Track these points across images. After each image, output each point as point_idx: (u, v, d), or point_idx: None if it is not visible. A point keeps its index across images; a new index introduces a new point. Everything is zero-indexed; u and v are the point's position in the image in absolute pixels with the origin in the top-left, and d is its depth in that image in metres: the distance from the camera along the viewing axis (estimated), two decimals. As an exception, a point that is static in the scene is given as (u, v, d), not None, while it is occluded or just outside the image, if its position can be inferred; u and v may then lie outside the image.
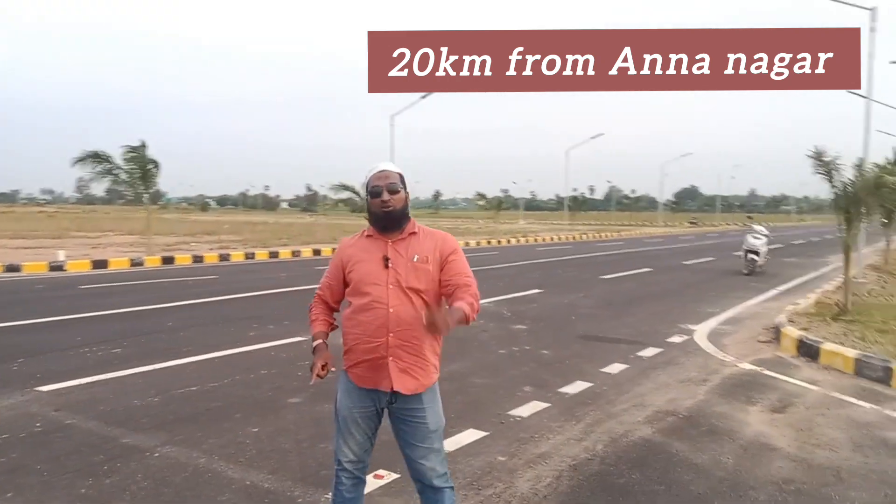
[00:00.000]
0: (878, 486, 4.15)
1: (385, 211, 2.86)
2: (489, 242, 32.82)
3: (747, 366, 7.28)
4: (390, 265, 2.84)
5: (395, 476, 4.15)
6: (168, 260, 19.46)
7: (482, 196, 42.60)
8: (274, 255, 22.56)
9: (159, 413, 5.35)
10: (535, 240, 36.20)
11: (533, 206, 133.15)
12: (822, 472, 4.36)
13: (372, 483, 4.05)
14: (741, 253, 17.64)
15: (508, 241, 34.08)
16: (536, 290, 13.32)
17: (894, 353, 7.11)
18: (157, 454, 4.49)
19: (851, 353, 7.07)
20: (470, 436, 4.88)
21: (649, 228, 60.67)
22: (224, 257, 21.00)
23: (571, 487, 4.07)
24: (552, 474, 4.25)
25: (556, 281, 15.30)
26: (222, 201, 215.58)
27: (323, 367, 2.90)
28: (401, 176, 2.95)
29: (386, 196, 2.86)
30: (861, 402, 5.94)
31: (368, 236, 2.97)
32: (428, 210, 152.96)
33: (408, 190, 2.96)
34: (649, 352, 7.83)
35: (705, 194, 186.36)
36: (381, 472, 4.19)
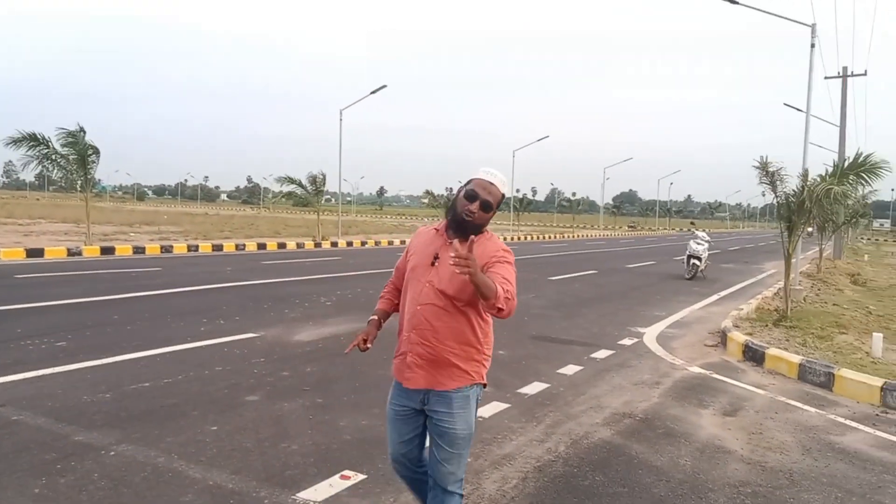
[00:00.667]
0: (829, 489, 4.31)
1: (463, 218, 2.78)
2: (436, 241, 32.91)
3: (696, 369, 7.48)
4: (436, 264, 2.81)
5: (361, 476, 4.11)
6: (107, 250, 18.83)
7: (430, 194, 42.44)
8: (218, 248, 22.09)
9: (112, 410, 5.16)
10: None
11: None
12: (776, 475, 4.51)
13: (338, 484, 4.02)
14: (684, 258, 18.12)
15: (455, 240, 34.23)
16: (487, 290, 13.39)
17: (834, 359, 7.42)
18: (112, 453, 4.33)
19: (795, 358, 7.34)
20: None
21: (590, 231, 61.76)
22: (166, 249, 20.44)
23: (538, 489, 4.10)
24: (518, 475, 4.28)
25: (506, 281, 15.42)
26: (159, 191, 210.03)
27: (364, 340, 2.96)
28: (503, 196, 2.85)
29: (475, 207, 2.76)
30: (806, 407, 6.17)
31: (437, 230, 2.93)
32: (372, 207, 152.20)
33: (496, 209, 2.84)
34: (602, 354, 7.97)
35: (643, 199, 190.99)
36: (347, 472, 4.15)
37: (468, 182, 2.84)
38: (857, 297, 15.19)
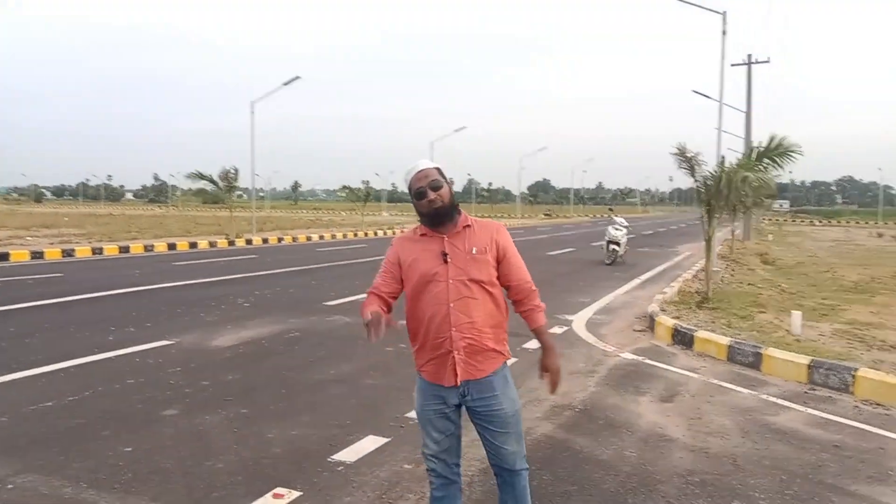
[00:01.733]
0: (773, 471, 4.28)
1: (435, 209, 2.86)
2: (356, 235, 32.34)
3: (629, 356, 7.46)
4: (449, 260, 2.84)
5: (296, 494, 3.79)
6: (1, 256, 17.52)
7: (348, 188, 41.73)
8: (125, 250, 20.93)
9: (9, 436, 4.64)
10: (402, 232, 36.02)
11: (395, 198, 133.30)
12: (720, 461, 4.46)
13: (269, 503, 3.69)
14: (603, 244, 18.39)
15: (375, 234, 33.76)
16: (412, 284, 13.15)
17: (759, 339, 7.55)
18: (10, 486, 3.85)
19: (724, 340, 7.42)
20: (371, 443, 4.60)
21: (508, 220, 62.37)
22: (68, 253, 19.21)
23: (484, 493, 3.90)
24: (463, 480, 4.05)
25: (431, 274, 15.22)
26: (59, 192, 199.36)
27: (386, 324, 2.71)
28: (439, 170, 2.94)
29: (431, 195, 2.85)
30: (739, 388, 6.22)
31: (423, 235, 2.94)
32: (286, 202, 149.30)
33: (449, 181, 2.94)
34: (534, 344, 7.83)
35: (557, 187, 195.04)
36: (279, 490, 3.83)
37: (409, 191, 2.92)
38: (768, 275, 15.75)
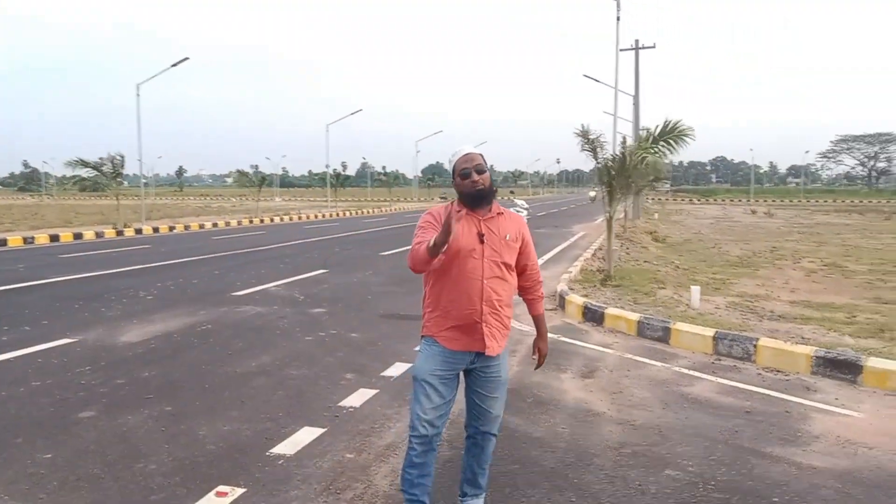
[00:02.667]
0: (696, 439, 4.55)
1: (477, 190, 3.13)
2: (251, 221, 31.44)
3: (545, 334, 7.67)
4: (485, 241, 3.13)
5: (240, 491, 3.69)
6: None
7: (241, 172, 40.42)
8: (1, 242, 19.47)
9: None
10: (300, 218, 35.43)
11: (286, 182, 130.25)
12: (647, 432, 4.69)
13: (214, 501, 3.58)
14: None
15: (272, 220, 32.94)
16: (322, 271, 12.95)
17: (667, 314, 7.96)
18: (-82, 505, 3.55)
19: (633, 316, 7.77)
20: (307, 434, 4.52)
21: (406, 204, 62.46)
22: (-65, 247, 17.67)
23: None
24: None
25: (339, 260, 15.04)
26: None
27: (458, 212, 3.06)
28: (482, 156, 3.19)
29: (476, 176, 3.12)
30: (653, 362, 6.53)
31: (458, 212, 3.13)
32: (171, 188, 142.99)
33: (489, 168, 3.20)
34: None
35: (449, 171, 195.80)
36: (222, 488, 3.71)
37: (454, 171, 3.18)
38: (661, 253, 16.58)
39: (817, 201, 72.76)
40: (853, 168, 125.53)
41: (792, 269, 13.45)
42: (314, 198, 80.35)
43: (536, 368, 3.64)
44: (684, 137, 10.85)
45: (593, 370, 6.25)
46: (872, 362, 5.75)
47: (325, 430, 4.61)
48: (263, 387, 5.61)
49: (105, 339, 7.24)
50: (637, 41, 25.74)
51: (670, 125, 10.85)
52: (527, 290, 3.41)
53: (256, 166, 58.66)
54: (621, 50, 26.39)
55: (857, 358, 5.85)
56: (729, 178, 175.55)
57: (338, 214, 39.62)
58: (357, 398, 5.28)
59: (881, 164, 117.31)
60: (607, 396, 5.47)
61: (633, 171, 10.35)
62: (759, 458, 4.22)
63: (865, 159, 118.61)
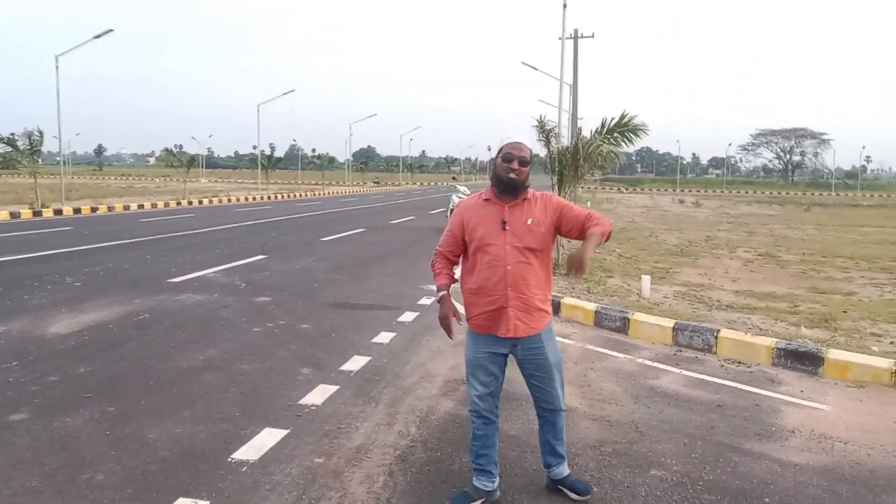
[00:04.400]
0: (673, 436, 4.44)
1: (510, 178, 3.25)
2: (178, 203, 30.21)
3: (502, 325, 7.50)
4: (507, 228, 3.25)
5: (203, 503, 3.35)
6: None
7: (170, 152, 38.78)
8: None
9: None
10: (229, 200, 34.31)
11: (211, 163, 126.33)
12: (624, 428, 4.55)
13: (174, 517, 3.23)
14: (447, 212, 18.53)
15: (200, 202, 31.76)
16: (261, 257, 12.44)
17: (623, 304, 7.90)
18: None
19: (590, 305, 7.67)
20: (270, 436, 4.19)
21: (339, 188, 61.53)
22: None
23: (409, 484, 3.67)
24: (382, 471, 3.81)
25: (277, 245, 14.50)
26: None
27: (454, 314, 3.41)
28: (531, 151, 3.31)
29: (516, 165, 3.24)
30: (615, 353, 6.44)
31: (486, 200, 3.36)
32: (90, 167, 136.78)
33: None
34: (408, 317, 7.69)
35: (381, 155, 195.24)
36: (183, 500, 3.36)
37: (499, 151, 3.29)
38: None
39: (739, 192, 75.45)
40: (770, 161, 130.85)
41: (729, 258, 13.73)
42: (242, 179, 78.23)
43: (572, 271, 3.23)
44: (638, 132, 10.84)
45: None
46: (833, 354, 5.80)
47: (289, 431, 4.29)
48: (214, 383, 5.22)
49: (32, 330, 6.66)
50: (576, 30, 25.88)
51: (626, 118, 10.82)
52: (580, 234, 3.34)
53: (180, 146, 56.08)
54: (559, 38, 26.60)
55: (817, 350, 5.89)
56: (654, 168, 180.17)
57: (269, 197, 38.57)
58: (318, 395, 4.96)
59: (796, 158, 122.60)
60: (577, 390, 5.32)
61: (586, 161, 10.27)
62: (740, 455, 4.14)
63: (782, 153, 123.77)
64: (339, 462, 3.89)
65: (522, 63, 26.88)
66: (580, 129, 12.14)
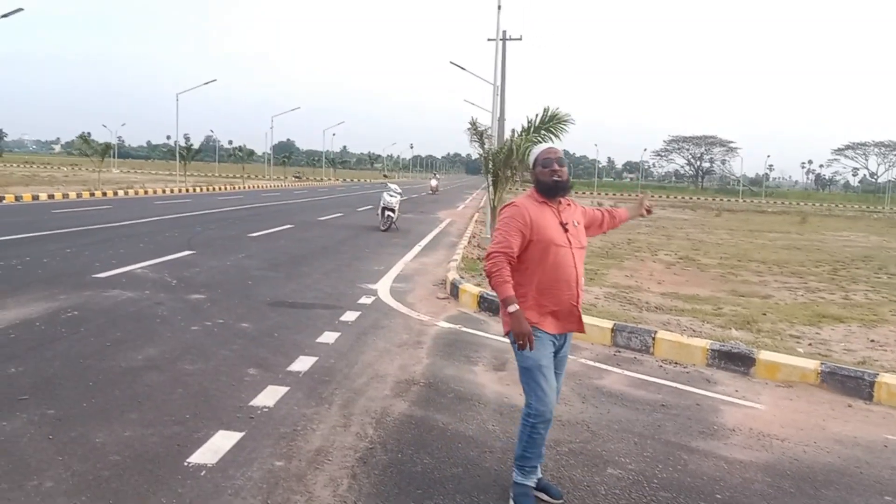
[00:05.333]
0: (624, 435, 4.59)
1: (555, 181, 3.42)
2: (92, 194, 28.85)
3: (444, 324, 7.56)
4: (568, 230, 3.45)
5: (164, 510, 3.24)
6: None
7: (85, 139, 36.92)
8: None
9: None
10: (145, 192, 33.01)
11: (122, 153, 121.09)
12: (576, 428, 4.67)
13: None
14: (378, 211, 18.45)
15: (115, 194, 30.41)
16: (188, 252, 12.03)
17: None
18: None
19: (531, 307, 7.80)
20: (225, 440, 4.09)
21: (259, 181, 60.22)
22: None
23: (375, 486, 3.65)
24: (345, 474, 3.78)
25: (204, 240, 14.07)
26: None
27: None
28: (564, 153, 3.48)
29: (556, 167, 3.41)
30: (558, 353, 6.57)
31: (541, 202, 3.47)
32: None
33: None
34: (350, 316, 7.62)
35: (301, 149, 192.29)
36: (142, 508, 3.24)
37: (535, 162, 3.51)
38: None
39: (653, 196, 78.01)
40: (682, 167, 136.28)
41: (652, 261, 14.22)
42: (156, 171, 75.47)
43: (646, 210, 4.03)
44: (564, 125, 11.04)
45: (503, 362, 6.19)
46: (764, 355, 6.12)
47: (244, 433, 4.20)
48: (158, 384, 5.04)
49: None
50: (504, 32, 26.14)
51: (549, 114, 11.00)
52: (608, 220, 3.92)
53: (89, 133, 52.99)
54: (488, 39, 26.84)
55: (749, 351, 6.20)
56: (571, 171, 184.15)
57: (187, 190, 37.33)
58: (268, 397, 4.87)
59: (706, 165, 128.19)
60: (525, 390, 5.41)
61: (520, 160, 10.43)
62: (688, 454, 4.32)
63: (693, 159, 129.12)
64: (300, 465, 3.84)
65: (451, 63, 26.99)
66: (513, 129, 12.18)
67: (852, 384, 5.65)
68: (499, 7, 15.00)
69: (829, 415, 5.22)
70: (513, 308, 3.31)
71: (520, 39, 26.64)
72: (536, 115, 11.26)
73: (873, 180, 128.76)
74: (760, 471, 4.12)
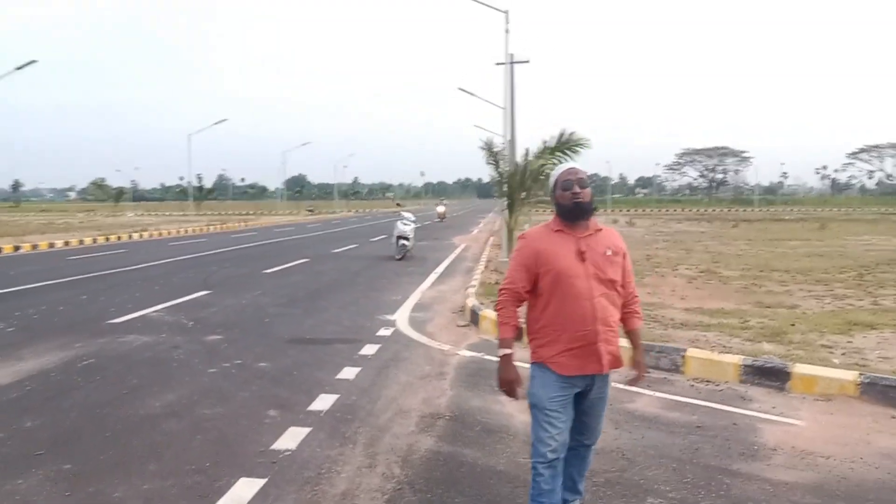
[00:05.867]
0: (661, 461, 4.39)
1: (576, 202, 3.10)
2: (107, 239, 29.03)
3: (467, 352, 7.39)
4: (586, 258, 3.08)
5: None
6: None
7: (99, 185, 37.32)
8: None
9: None
10: (160, 234, 33.21)
11: (136, 196, 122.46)
12: (611, 456, 4.47)
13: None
14: (393, 240, 18.38)
15: (130, 237, 30.61)
16: (204, 292, 11.97)
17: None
18: None
19: (554, 330, 7.62)
20: (247, 487, 3.94)
21: (274, 217, 60.56)
22: None
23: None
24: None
25: (219, 280, 14.02)
26: None
27: (518, 381, 3.22)
28: (587, 174, 3.17)
29: (577, 189, 3.10)
30: (585, 377, 6.38)
31: (557, 231, 3.16)
32: (6, 203, 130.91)
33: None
34: (370, 349, 7.48)
35: (313, 182, 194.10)
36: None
37: (555, 185, 3.21)
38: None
39: (668, 210, 77.81)
40: (695, 179, 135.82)
41: (673, 276, 13.99)
42: (170, 212, 76.16)
43: (634, 383, 3.59)
44: (579, 147, 10.96)
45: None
46: (799, 369, 5.90)
47: (266, 480, 4.05)
48: (177, 431, 4.91)
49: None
50: (511, 55, 26.14)
51: (566, 136, 10.93)
52: (624, 305, 3.30)
53: (103, 179, 53.33)
54: (497, 63, 26.90)
55: (784, 365, 5.98)
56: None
57: (202, 230, 37.54)
58: (290, 440, 4.72)
59: (719, 176, 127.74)
60: (554, 419, 5.23)
61: (535, 181, 10.32)
62: (730, 477, 4.12)
63: (706, 171, 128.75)
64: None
65: (459, 89, 27.07)
66: (527, 149, 12.04)
67: (895, 394, 5.42)
68: (506, 31, 15.03)
69: (872, 428, 4.99)
70: (502, 352, 3.24)
71: (527, 62, 26.58)
72: (552, 137, 11.17)
73: (891, 182, 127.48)
74: (808, 492, 3.90)
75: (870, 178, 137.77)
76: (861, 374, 5.68)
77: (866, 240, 25.71)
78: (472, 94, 26.79)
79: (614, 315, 3.17)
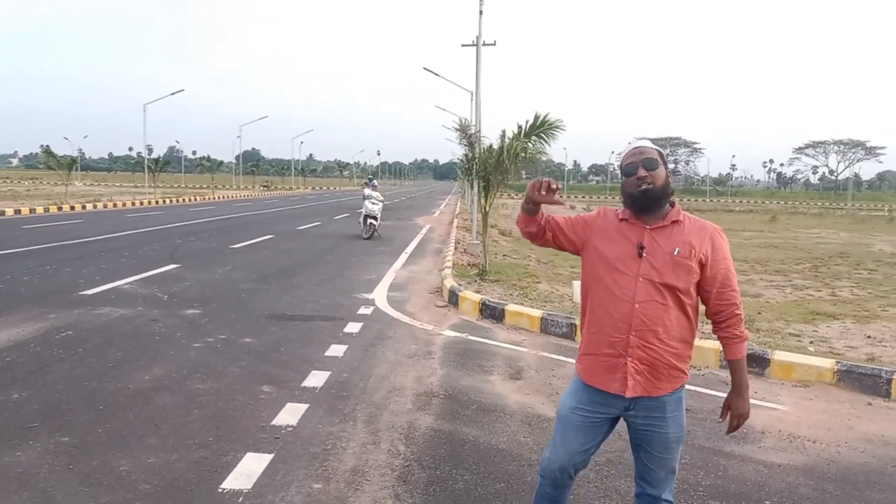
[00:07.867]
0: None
1: (641, 190, 2.50)
2: (59, 208, 28.10)
3: (450, 333, 7.44)
4: (645, 255, 2.49)
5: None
6: None
7: (50, 153, 35.98)
8: None
9: None
10: (114, 205, 32.31)
11: (84, 165, 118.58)
12: (609, 438, 4.57)
13: (177, 559, 2.95)
14: (360, 219, 18.28)
15: (84, 207, 29.70)
16: (173, 266, 11.73)
17: (559, 309, 8.02)
18: None
19: (536, 312, 7.74)
20: (255, 462, 3.93)
21: (229, 191, 59.49)
22: None
23: (420, 505, 3.53)
24: (388, 494, 3.65)
25: (187, 253, 13.73)
26: None
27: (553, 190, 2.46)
28: (659, 153, 2.58)
29: (642, 172, 2.50)
30: (570, 360, 6.49)
31: (623, 220, 2.58)
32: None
33: (668, 169, 2.58)
34: (353, 327, 7.46)
35: (267, 157, 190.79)
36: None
37: (620, 168, 2.61)
38: (512, 246, 16.96)
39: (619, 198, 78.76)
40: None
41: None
42: (121, 183, 74.16)
43: (729, 433, 2.82)
44: (555, 130, 10.96)
45: (518, 370, 6.10)
46: (778, 356, 6.11)
47: (273, 455, 4.04)
48: (172, 406, 4.85)
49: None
50: (478, 37, 26.05)
51: (540, 119, 10.92)
52: (717, 325, 2.64)
53: (47, 146, 50.87)
54: (462, 45, 26.78)
55: (763, 352, 6.19)
56: (537, 174, 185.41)
57: (157, 202, 36.66)
58: (290, 415, 4.71)
59: (671, 166, 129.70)
60: (547, 399, 5.33)
61: (512, 164, 10.33)
62: (725, 459, 4.27)
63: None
64: (339, 487, 3.70)
65: (424, 69, 26.87)
66: (503, 130, 11.90)
67: (869, 382, 5.67)
68: (480, 12, 14.98)
69: (852, 414, 5.22)
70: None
71: (494, 45, 26.57)
72: (527, 122, 11.14)
73: (833, 178, 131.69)
74: (801, 474, 4.08)
75: (814, 172, 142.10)
76: (838, 363, 5.92)
77: (816, 233, 26.60)
78: (437, 74, 26.63)
79: (669, 329, 2.49)
